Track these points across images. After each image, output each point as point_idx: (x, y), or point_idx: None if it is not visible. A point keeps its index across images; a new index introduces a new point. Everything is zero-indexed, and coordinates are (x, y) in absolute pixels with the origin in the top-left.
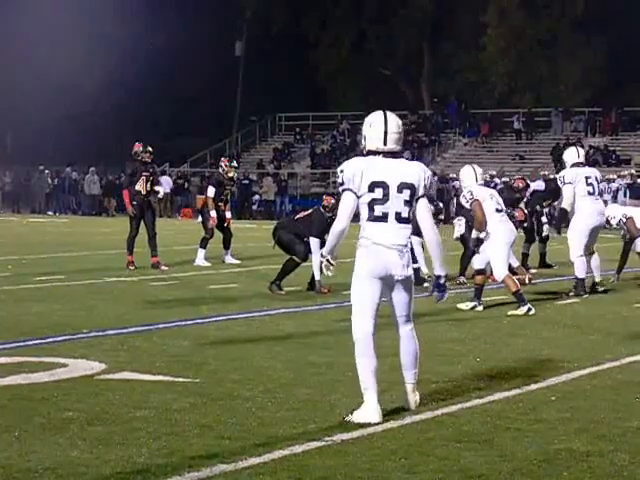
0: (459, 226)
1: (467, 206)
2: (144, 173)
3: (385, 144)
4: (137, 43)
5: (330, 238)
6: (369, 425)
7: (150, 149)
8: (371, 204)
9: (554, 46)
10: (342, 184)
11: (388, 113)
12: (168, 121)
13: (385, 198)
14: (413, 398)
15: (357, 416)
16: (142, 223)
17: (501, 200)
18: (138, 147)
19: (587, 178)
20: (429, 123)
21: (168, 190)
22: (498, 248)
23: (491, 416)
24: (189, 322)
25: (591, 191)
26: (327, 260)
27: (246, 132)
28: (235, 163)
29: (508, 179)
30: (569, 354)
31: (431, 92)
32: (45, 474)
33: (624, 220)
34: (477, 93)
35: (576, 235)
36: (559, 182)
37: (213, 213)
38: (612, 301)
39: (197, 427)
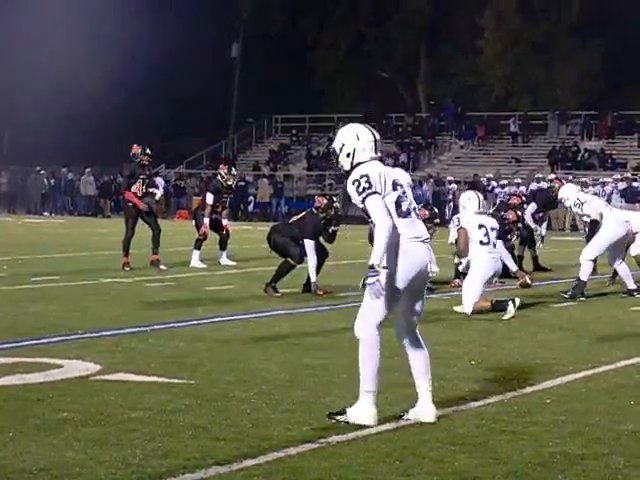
0: (454, 230)
1: (454, 231)
2: (141, 175)
3: (376, 152)
4: (135, 44)
5: (380, 242)
6: (364, 427)
7: (149, 152)
8: (398, 201)
9: (551, 50)
10: (368, 188)
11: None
12: (164, 122)
13: (405, 195)
14: (432, 408)
15: (353, 415)
16: (137, 224)
17: (492, 232)
18: (137, 149)
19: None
20: (426, 125)
21: (162, 192)
22: (473, 281)
23: (486, 419)
24: (184, 323)
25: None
26: (382, 267)
27: (242, 133)
28: (234, 171)
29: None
30: (564, 357)
31: (428, 95)
32: (40, 475)
33: None
34: (474, 96)
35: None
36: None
37: (206, 220)
38: (608, 304)
39: (192, 428)
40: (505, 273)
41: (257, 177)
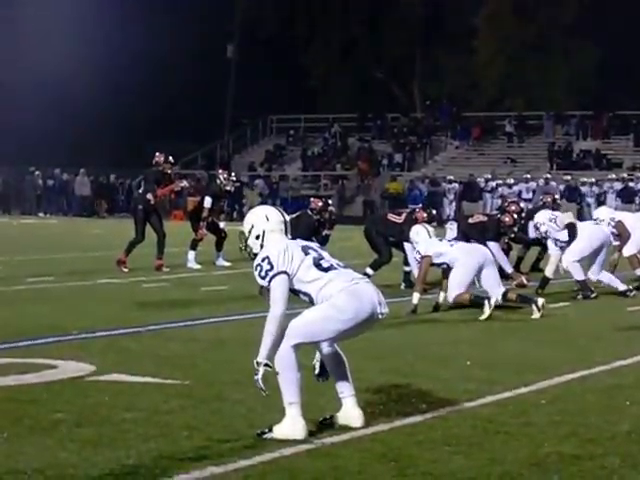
0: (451, 230)
1: (416, 267)
2: (162, 184)
3: (287, 234)
4: (129, 45)
5: (267, 338)
6: (358, 428)
7: (172, 160)
8: (316, 262)
9: (545, 50)
10: (270, 269)
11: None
12: (159, 123)
13: (321, 255)
14: (358, 412)
15: (279, 432)
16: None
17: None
18: (159, 157)
19: None
20: (421, 126)
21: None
22: (461, 271)
23: (481, 419)
24: (179, 324)
25: None
26: (265, 365)
27: (237, 134)
28: (234, 176)
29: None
30: (559, 357)
31: (423, 95)
32: (34, 475)
33: (612, 224)
34: (468, 96)
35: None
36: None
37: (203, 224)
38: (603, 305)
39: (186, 429)
40: (501, 274)
41: (253, 178)
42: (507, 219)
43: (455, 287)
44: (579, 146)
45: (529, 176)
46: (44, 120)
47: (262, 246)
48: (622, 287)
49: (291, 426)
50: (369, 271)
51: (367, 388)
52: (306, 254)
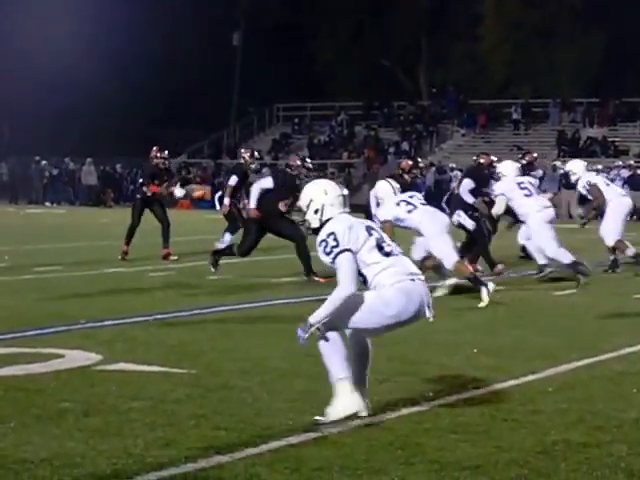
0: (458, 216)
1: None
2: (156, 179)
3: (345, 207)
4: (135, 33)
5: (330, 305)
6: (365, 416)
7: (165, 155)
8: (379, 244)
9: (552, 36)
10: (335, 246)
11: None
12: (165, 112)
13: (383, 238)
14: (365, 403)
15: (334, 413)
16: (144, 214)
17: (419, 196)
18: (154, 152)
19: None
20: (427, 114)
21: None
22: (436, 240)
23: (488, 407)
24: (186, 313)
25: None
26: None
27: (244, 123)
28: (257, 155)
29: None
30: (567, 345)
31: (429, 82)
32: (41, 465)
33: (587, 187)
34: (475, 83)
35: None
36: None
37: (227, 201)
38: (610, 292)
39: (193, 418)
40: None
41: (261, 166)
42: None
43: (447, 253)
44: (586, 133)
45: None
46: (50, 109)
47: (321, 221)
48: (542, 261)
49: (345, 403)
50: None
51: (374, 376)
52: (369, 234)
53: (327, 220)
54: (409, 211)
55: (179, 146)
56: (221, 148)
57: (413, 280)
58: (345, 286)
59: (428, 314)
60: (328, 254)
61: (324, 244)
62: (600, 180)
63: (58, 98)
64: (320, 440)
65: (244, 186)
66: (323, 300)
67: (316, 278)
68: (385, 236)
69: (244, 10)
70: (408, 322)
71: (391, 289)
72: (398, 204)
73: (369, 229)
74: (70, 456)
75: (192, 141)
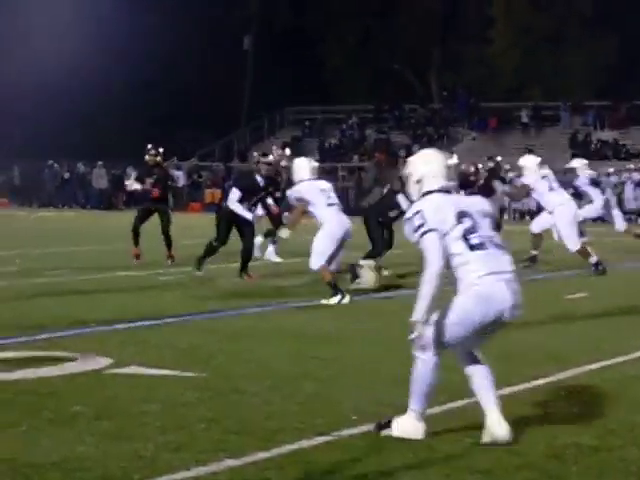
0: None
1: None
2: (146, 177)
3: (447, 179)
4: (145, 37)
5: (425, 294)
6: (375, 420)
7: (153, 152)
8: (465, 235)
9: (563, 39)
10: (421, 226)
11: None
12: (175, 115)
13: (476, 226)
14: (505, 427)
15: (399, 429)
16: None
17: (334, 194)
18: (146, 150)
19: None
20: (438, 117)
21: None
22: (323, 240)
23: None
24: (197, 316)
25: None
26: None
27: (254, 126)
28: (287, 151)
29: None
30: (577, 348)
31: (439, 86)
32: (52, 469)
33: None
34: (485, 87)
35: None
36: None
37: (270, 201)
38: (619, 294)
39: (204, 421)
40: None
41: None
42: None
43: (319, 254)
44: (597, 136)
45: (546, 166)
46: (60, 113)
47: (420, 193)
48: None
49: (411, 426)
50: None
51: (386, 379)
52: (459, 222)
53: (426, 193)
54: (328, 204)
55: (190, 149)
56: (232, 151)
57: (499, 281)
58: (433, 265)
59: (507, 315)
60: (415, 232)
61: (410, 222)
62: (543, 185)
63: (68, 102)
64: (331, 444)
65: (274, 185)
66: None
67: (247, 278)
68: (482, 225)
69: (254, 14)
70: (493, 325)
71: (467, 294)
72: (323, 192)
73: (461, 215)
74: (81, 460)
75: (203, 144)
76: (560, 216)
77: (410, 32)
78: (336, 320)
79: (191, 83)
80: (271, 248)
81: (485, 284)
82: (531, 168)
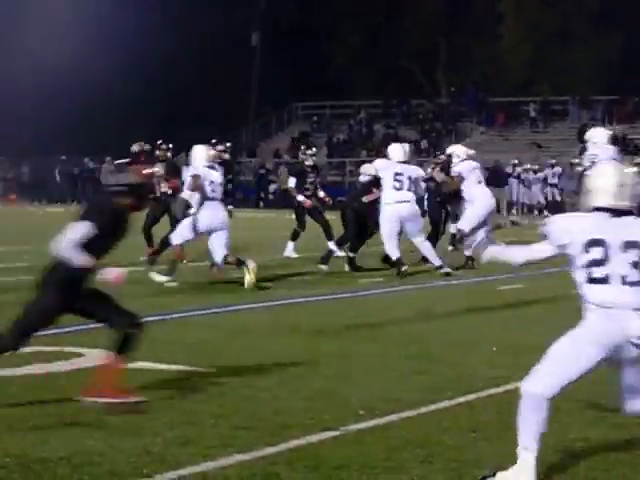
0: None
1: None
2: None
3: (621, 200)
4: (152, 33)
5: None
6: (384, 415)
7: (164, 147)
8: (589, 265)
9: (571, 35)
10: (543, 237)
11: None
12: (183, 111)
13: (606, 258)
14: None
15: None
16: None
17: (218, 188)
18: (158, 145)
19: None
20: (446, 112)
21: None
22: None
23: (507, 406)
24: (205, 312)
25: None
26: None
27: (263, 121)
28: (314, 150)
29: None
30: None
31: (447, 81)
32: (60, 464)
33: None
34: (493, 83)
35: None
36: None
37: (300, 197)
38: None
39: (212, 417)
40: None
41: (278, 164)
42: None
43: (179, 235)
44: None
45: (554, 161)
46: (68, 108)
47: (589, 204)
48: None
49: (519, 476)
50: (332, 247)
51: (393, 374)
52: (586, 251)
53: (593, 209)
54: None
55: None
56: (240, 147)
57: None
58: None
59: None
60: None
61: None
62: (473, 177)
63: (77, 98)
64: (339, 439)
65: (308, 184)
66: (340, 299)
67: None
68: (618, 259)
69: (262, 10)
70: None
71: (581, 328)
72: (211, 183)
73: (590, 244)
74: (89, 454)
75: (211, 140)
76: (479, 205)
77: (416, 30)
78: (344, 315)
79: (191, 83)
80: (291, 245)
81: (595, 322)
82: (461, 156)
